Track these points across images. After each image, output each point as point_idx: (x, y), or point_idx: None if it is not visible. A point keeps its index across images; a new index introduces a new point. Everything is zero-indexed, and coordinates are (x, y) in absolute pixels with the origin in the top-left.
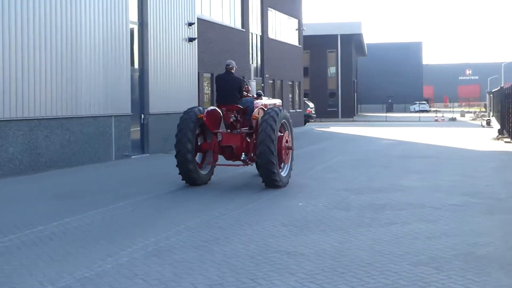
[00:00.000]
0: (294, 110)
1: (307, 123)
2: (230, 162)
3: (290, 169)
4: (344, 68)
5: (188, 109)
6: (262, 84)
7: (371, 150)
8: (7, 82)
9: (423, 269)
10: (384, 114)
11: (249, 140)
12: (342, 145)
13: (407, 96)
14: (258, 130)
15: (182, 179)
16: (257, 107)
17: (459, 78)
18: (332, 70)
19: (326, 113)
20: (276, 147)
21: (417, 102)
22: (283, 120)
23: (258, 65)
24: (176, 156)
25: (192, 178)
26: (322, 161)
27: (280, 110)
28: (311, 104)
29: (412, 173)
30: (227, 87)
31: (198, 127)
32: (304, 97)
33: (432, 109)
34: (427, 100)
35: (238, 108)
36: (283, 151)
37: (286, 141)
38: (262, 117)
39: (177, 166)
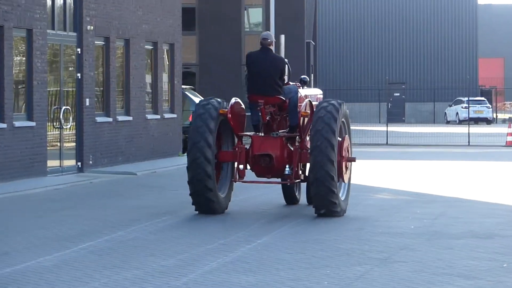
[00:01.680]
0: (160, 116)
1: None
2: (263, 178)
3: (349, 190)
4: (285, 13)
5: (203, 101)
6: (78, 50)
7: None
8: None
9: None
10: (382, 129)
11: (291, 148)
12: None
13: (440, 84)
14: (309, 133)
15: (196, 206)
16: (302, 99)
17: None
18: (254, 14)
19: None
20: (337, 157)
21: (464, 99)
22: (342, 119)
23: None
24: (189, 169)
25: (210, 203)
26: None
27: (339, 104)
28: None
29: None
30: (266, 71)
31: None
32: (187, 85)
33: (503, 114)
34: (488, 95)
35: (280, 100)
36: (343, 164)
37: (347, 150)
38: (315, 113)
39: (189, 182)
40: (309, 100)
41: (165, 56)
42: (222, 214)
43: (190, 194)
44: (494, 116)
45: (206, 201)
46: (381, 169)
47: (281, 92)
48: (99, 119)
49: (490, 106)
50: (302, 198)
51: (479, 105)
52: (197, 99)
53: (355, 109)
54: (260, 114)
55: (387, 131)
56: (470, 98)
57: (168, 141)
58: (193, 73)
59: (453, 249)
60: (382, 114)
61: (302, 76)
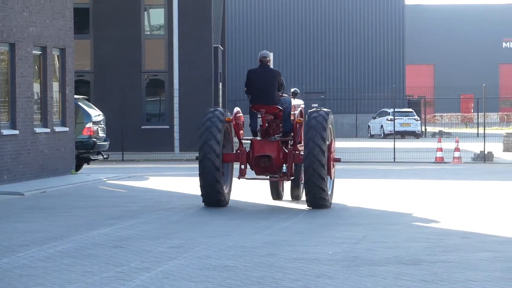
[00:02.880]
0: (50, 129)
1: (83, 167)
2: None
3: (333, 185)
4: (189, 15)
5: (210, 108)
6: None
7: None
8: None
9: None
10: None
11: (286, 150)
12: None
13: (362, 94)
14: (303, 138)
15: (204, 198)
16: (294, 108)
17: (503, 43)
18: (155, 16)
19: (141, 135)
20: (326, 159)
21: (389, 111)
22: (330, 126)
23: None
24: (201, 162)
25: (218, 195)
26: None
27: (327, 114)
28: (96, 113)
29: None
30: (267, 84)
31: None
32: (80, 95)
33: (433, 127)
34: (416, 106)
35: (278, 110)
36: (331, 164)
37: (333, 151)
38: (307, 122)
39: (200, 174)
40: (301, 110)
41: (56, 62)
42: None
43: (200, 186)
44: (423, 130)
45: (215, 192)
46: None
47: (279, 102)
48: None
49: (419, 118)
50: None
51: (406, 117)
52: (91, 110)
53: None
54: (260, 121)
55: None
56: (396, 110)
57: (59, 157)
58: (87, 81)
59: (375, 277)
60: None
61: (293, 89)
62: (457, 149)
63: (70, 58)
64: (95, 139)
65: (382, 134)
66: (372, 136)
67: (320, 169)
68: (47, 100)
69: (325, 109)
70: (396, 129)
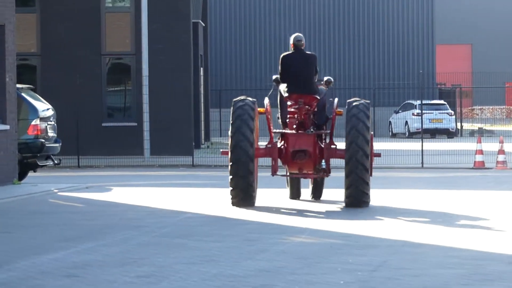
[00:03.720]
0: None
1: (28, 175)
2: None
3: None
4: None
5: (239, 99)
6: None
7: None
8: None
9: None
10: None
11: (321, 144)
12: None
13: (381, 82)
14: (346, 130)
15: (235, 193)
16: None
17: None
18: None
19: (102, 135)
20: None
21: (415, 103)
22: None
23: None
24: (233, 152)
25: (250, 190)
26: None
27: (368, 103)
28: (44, 107)
29: None
30: (304, 71)
31: None
32: (24, 84)
33: (471, 124)
34: (449, 97)
35: (316, 99)
36: (372, 158)
37: (372, 146)
38: (348, 111)
39: (232, 165)
40: (337, 100)
41: None
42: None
43: (231, 177)
44: (458, 127)
45: (246, 186)
46: (301, 204)
47: (317, 92)
48: None
49: (453, 112)
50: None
51: (437, 111)
52: (38, 103)
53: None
54: (296, 112)
55: None
56: (425, 102)
57: None
58: (33, 66)
59: None
60: None
61: (327, 78)
62: (501, 152)
63: (10, 37)
64: (43, 140)
65: (407, 133)
66: (394, 135)
67: (364, 159)
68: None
69: (363, 101)
70: (425, 126)
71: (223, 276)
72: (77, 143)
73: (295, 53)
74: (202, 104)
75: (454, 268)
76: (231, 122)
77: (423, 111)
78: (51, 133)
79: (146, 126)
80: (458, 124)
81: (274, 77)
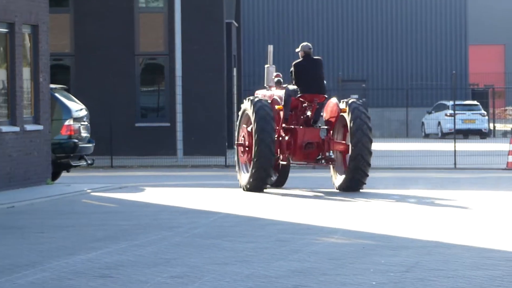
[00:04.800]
0: (19, 128)
1: (61, 175)
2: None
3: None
4: None
5: (255, 98)
6: None
7: None
8: None
9: None
10: None
11: (323, 137)
12: None
13: (415, 83)
14: (349, 126)
15: (255, 183)
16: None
17: None
18: None
19: (135, 135)
20: None
21: (448, 104)
22: None
23: None
24: (257, 151)
25: (268, 181)
26: None
27: (365, 103)
28: (77, 107)
29: None
30: (317, 74)
31: None
32: (57, 84)
33: (503, 124)
34: (482, 97)
35: (325, 98)
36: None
37: None
38: (351, 112)
39: (258, 159)
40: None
41: (26, 42)
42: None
43: (254, 169)
44: (491, 127)
45: (267, 177)
46: (332, 202)
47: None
48: None
49: (486, 113)
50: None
51: (470, 112)
52: (72, 104)
53: None
54: (309, 109)
55: None
56: (457, 102)
57: (31, 163)
58: (67, 66)
59: None
60: None
61: (278, 78)
62: None
63: (44, 38)
64: (76, 140)
65: (440, 133)
66: (427, 136)
67: (368, 157)
68: (15, 91)
69: (361, 101)
70: (457, 126)
71: (255, 276)
72: (110, 143)
73: (307, 59)
74: (235, 105)
75: (488, 269)
76: (255, 120)
77: (456, 112)
78: (84, 133)
79: (179, 126)
80: (491, 125)
81: (276, 79)
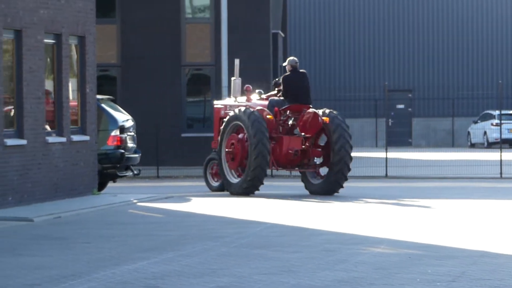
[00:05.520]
0: (66, 139)
1: (108, 185)
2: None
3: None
4: None
5: (248, 109)
6: None
7: None
8: None
9: None
10: (379, 155)
11: (322, 144)
12: None
13: (461, 93)
14: (331, 137)
15: (252, 182)
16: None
17: None
18: None
19: (181, 145)
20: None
21: (494, 113)
22: None
23: None
24: (255, 147)
25: (262, 182)
26: None
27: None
28: (124, 117)
29: None
30: (306, 86)
31: None
32: (104, 95)
33: None
34: None
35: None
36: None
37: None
38: (332, 120)
39: (255, 168)
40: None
41: (73, 53)
42: None
43: (250, 178)
44: None
45: (262, 177)
46: (378, 212)
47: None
48: None
49: None
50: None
51: None
52: (118, 114)
53: None
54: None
55: (386, 158)
56: (504, 112)
57: (77, 173)
58: (113, 77)
59: None
60: (380, 135)
61: (258, 90)
62: None
63: (91, 49)
64: (123, 151)
65: (486, 143)
66: (473, 145)
67: (349, 161)
68: (62, 102)
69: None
70: (504, 136)
71: (301, 286)
72: (157, 154)
73: (294, 73)
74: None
75: None
76: (252, 132)
77: (502, 121)
78: (130, 144)
79: None
80: None
81: (257, 91)
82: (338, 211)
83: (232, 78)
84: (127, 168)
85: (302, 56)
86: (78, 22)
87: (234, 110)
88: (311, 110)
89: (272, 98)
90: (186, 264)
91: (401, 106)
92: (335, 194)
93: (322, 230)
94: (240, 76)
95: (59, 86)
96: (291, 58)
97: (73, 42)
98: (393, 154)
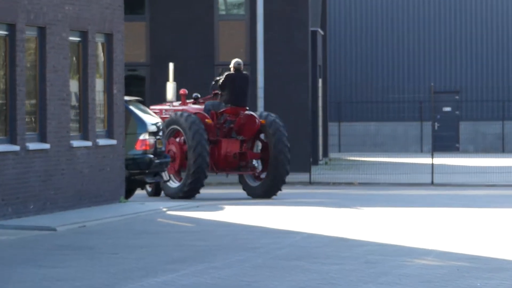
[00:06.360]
0: (92, 143)
1: (136, 192)
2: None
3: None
4: None
5: (185, 113)
6: None
7: None
8: None
9: None
10: (425, 161)
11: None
12: None
13: None
14: (269, 140)
15: (194, 184)
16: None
17: None
18: None
19: None
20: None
21: None
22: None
23: None
24: (195, 149)
25: (205, 178)
26: None
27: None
28: (153, 120)
29: None
30: (244, 89)
31: None
32: (132, 96)
33: None
34: None
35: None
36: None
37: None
38: (269, 124)
39: (196, 170)
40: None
41: (100, 52)
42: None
43: (191, 180)
44: None
45: (201, 185)
46: (424, 222)
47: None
48: None
49: None
50: None
51: None
52: (147, 117)
53: (384, 131)
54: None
55: (432, 164)
56: None
57: (103, 180)
58: (142, 77)
59: None
60: (425, 139)
61: (195, 94)
62: None
63: (119, 47)
64: (151, 156)
65: None
66: None
67: (287, 166)
68: (88, 103)
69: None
70: None
71: None
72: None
73: (237, 73)
74: (321, 118)
75: None
76: (190, 135)
77: None
78: (160, 148)
79: None
80: None
81: (194, 95)
82: (380, 220)
83: (167, 82)
84: (156, 174)
85: (342, 55)
86: (105, 19)
87: (170, 114)
88: (247, 112)
89: (208, 101)
90: (218, 276)
91: (448, 108)
92: (319, 199)
93: (363, 241)
94: (175, 80)
95: (85, 86)
96: (236, 59)
97: (99, 40)
98: (439, 160)
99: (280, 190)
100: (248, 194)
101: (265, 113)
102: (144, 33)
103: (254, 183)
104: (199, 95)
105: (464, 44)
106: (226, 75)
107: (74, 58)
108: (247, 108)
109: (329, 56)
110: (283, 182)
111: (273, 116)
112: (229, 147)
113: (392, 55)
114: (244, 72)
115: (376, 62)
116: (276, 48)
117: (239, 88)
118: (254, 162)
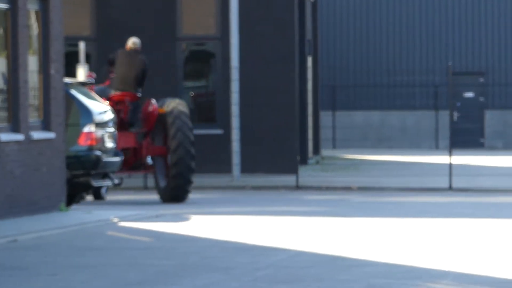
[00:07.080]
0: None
1: (82, 199)
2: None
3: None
4: None
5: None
6: None
7: None
8: None
9: None
10: (442, 160)
11: (140, 142)
12: None
13: None
14: (168, 129)
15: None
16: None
17: None
18: None
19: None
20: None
21: None
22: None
23: None
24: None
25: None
26: None
27: (185, 104)
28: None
29: None
30: (133, 72)
31: None
32: (74, 78)
33: None
34: None
35: (138, 98)
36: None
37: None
38: (170, 112)
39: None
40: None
41: (33, 23)
42: None
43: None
44: None
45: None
46: (440, 236)
47: (138, 91)
48: None
49: None
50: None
51: None
52: (93, 103)
53: (391, 121)
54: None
55: (450, 164)
56: None
57: (39, 183)
58: (86, 54)
59: None
60: (442, 132)
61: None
62: None
63: (57, 16)
64: (99, 153)
65: None
66: None
67: (190, 161)
68: (18, 87)
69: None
70: None
71: None
72: None
73: (130, 52)
74: (311, 105)
75: None
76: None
77: None
78: (109, 144)
79: (235, 134)
80: None
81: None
82: (386, 234)
83: (77, 64)
84: (105, 176)
85: (337, 29)
86: None
87: None
88: (151, 100)
89: (97, 86)
90: None
91: (470, 94)
92: (310, 206)
93: (364, 260)
94: (87, 61)
95: (14, 66)
96: (134, 38)
97: (32, 7)
98: (459, 159)
99: (188, 191)
100: (160, 197)
101: (169, 100)
102: (87, 0)
103: (162, 184)
104: (92, 80)
105: (491, 14)
106: (118, 51)
107: (1, 30)
108: (138, 95)
109: (320, 28)
110: (188, 182)
111: (176, 102)
112: (121, 141)
113: (400, 27)
114: (141, 55)
115: (380, 36)
116: (254, 18)
117: (126, 69)
118: (149, 159)
